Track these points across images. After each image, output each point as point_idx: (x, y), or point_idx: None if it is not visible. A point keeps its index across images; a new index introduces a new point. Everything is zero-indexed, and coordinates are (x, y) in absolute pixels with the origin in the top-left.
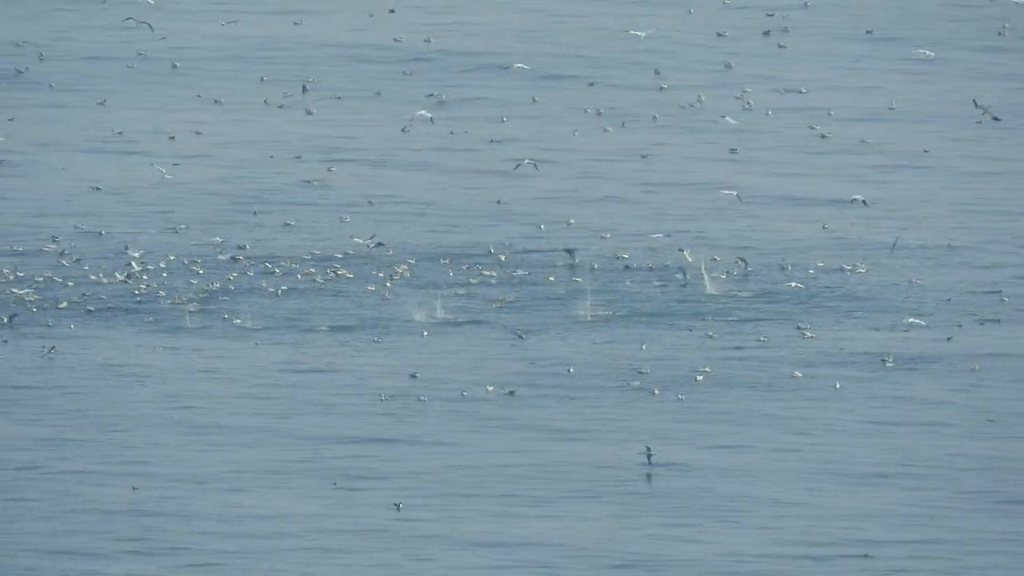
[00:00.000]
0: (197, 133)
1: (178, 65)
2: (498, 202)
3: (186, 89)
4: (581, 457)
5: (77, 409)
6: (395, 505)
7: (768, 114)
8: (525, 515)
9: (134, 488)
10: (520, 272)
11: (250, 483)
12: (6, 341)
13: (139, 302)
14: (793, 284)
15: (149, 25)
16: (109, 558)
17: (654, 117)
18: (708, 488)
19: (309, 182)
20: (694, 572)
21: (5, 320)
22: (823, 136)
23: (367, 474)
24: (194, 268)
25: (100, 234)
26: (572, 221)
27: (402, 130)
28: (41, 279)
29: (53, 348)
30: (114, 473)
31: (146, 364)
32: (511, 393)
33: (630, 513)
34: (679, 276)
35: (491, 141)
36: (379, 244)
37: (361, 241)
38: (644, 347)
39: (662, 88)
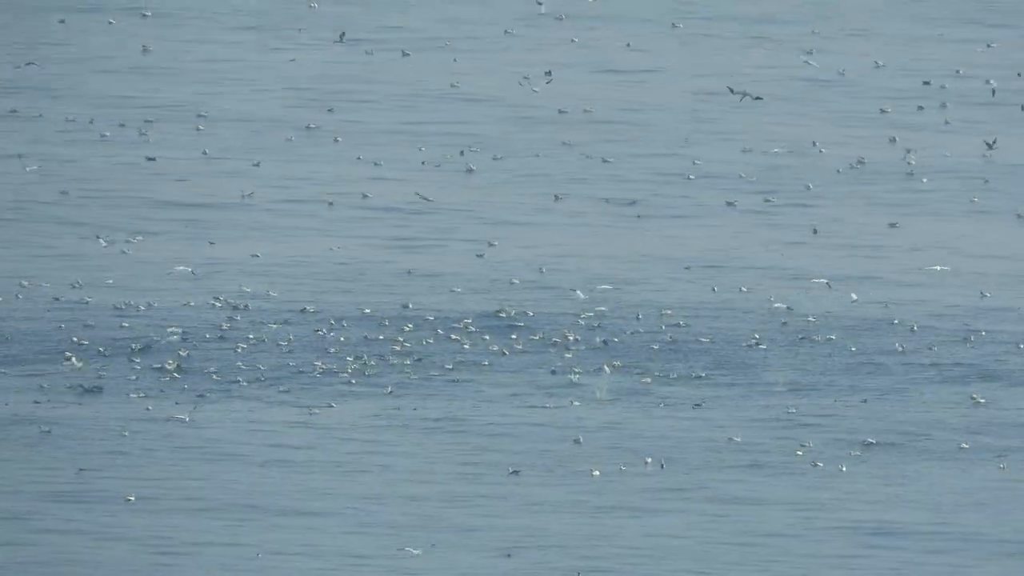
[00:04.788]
0: (364, 196)
1: (340, 140)
2: (686, 268)
3: (345, 151)
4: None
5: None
6: (577, 573)
7: (925, 181)
8: None
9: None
10: (687, 339)
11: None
12: (165, 390)
13: (306, 370)
14: (966, 351)
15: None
16: None
17: (808, 187)
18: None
19: (474, 245)
20: None
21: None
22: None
23: (536, 542)
24: (361, 332)
25: (269, 294)
26: (745, 289)
27: (555, 198)
28: (205, 340)
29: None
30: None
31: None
32: (662, 466)
33: None
34: (848, 341)
35: (632, 203)
36: (590, 303)
37: (524, 309)
38: (801, 416)
39: (821, 152)
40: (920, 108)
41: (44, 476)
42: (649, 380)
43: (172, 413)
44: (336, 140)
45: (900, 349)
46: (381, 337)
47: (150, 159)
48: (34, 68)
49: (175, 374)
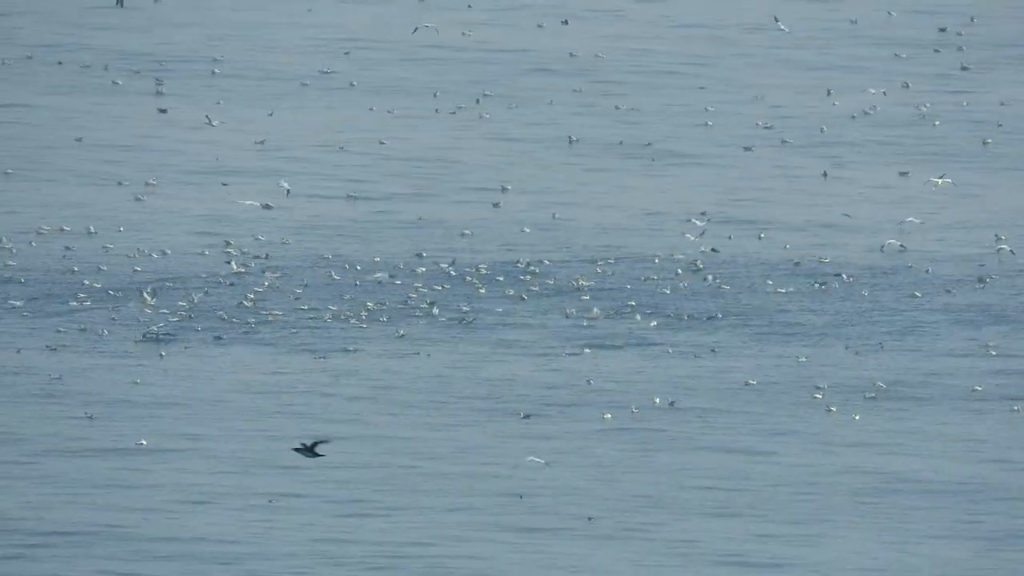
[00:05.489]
0: (380, 142)
1: (355, 84)
2: (702, 214)
3: (360, 99)
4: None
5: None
6: (588, 519)
7: (936, 124)
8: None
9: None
10: (703, 284)
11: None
12: (186, 347)
13: (314, 315)
14: (985, 296)
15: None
16: None
17: (821, 129)
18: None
19: (488, 192)
20: None
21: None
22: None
23: (546, 484)
24: (375, 279)
25: (283, 242)
26: (762, 236)
27: (569, 140)
28: (219, 287)
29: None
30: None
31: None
32: (672, 404)
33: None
34: (860, 287)
35: (648, 145)
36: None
37: (538, 257)
38: (816, 361)
39: (835, 104)
40: (936, 51)
41: (55, 422)
42: (664, 325)
43: (184, 359)
44: (352, 84)
45: (915, 294)
46: (398, 282)
47: (162, 111)
48: (49, 17)
49: (188, 320)
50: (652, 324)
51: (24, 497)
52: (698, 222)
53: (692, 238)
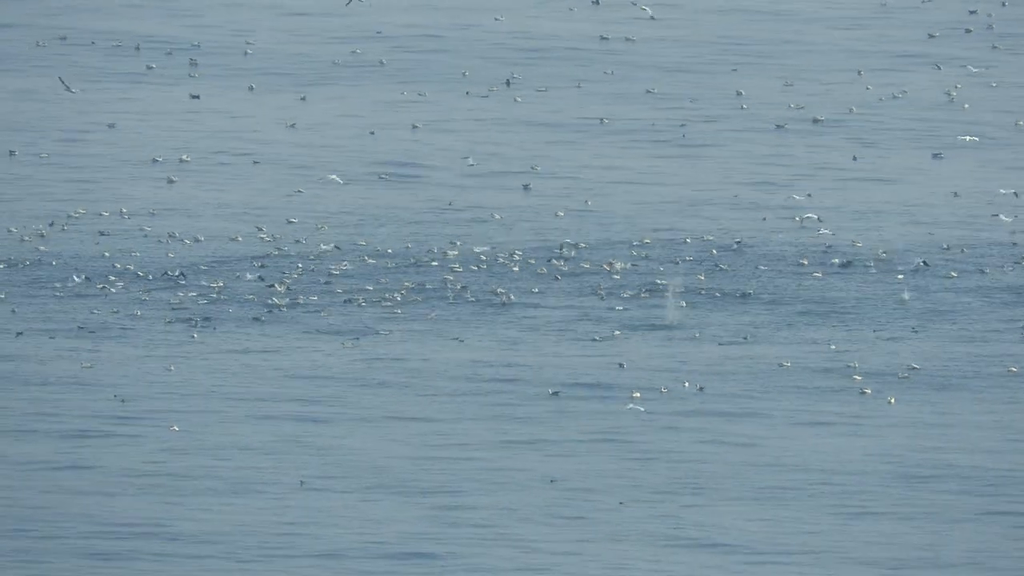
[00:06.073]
0: (413, 127)
1: (384, 62)
2: (734, 197)
3: (390, 83)
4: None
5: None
6: (619, 503)
7: (966, 107)
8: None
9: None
10: (737, 266)
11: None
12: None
13: (345, 298)
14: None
15: None
16: None
17: (850, 109)
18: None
19: (515, 175)
20: None
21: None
22: None
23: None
24: (408, 262)
25: (317, 227)
26: (798, 219)
27: (601, 121)
28: (251, 269)
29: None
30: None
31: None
32: (701, 388)
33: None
34: (894, 271)
35: (682, 125)
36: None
37: (572, 241)
38: (850, 343)
39: (868, 88)
40: (968, 31)
41: (86, 406)
42: (697, 307)
43: (216, 343)
44: (381, 63)
45: (950, 275)
46: (432, 265)
47: (194, 96)
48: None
49: (220, 304)
50: (684, 306)
51: (55, 483)
52: (780, 206)
53: (727, 221)
